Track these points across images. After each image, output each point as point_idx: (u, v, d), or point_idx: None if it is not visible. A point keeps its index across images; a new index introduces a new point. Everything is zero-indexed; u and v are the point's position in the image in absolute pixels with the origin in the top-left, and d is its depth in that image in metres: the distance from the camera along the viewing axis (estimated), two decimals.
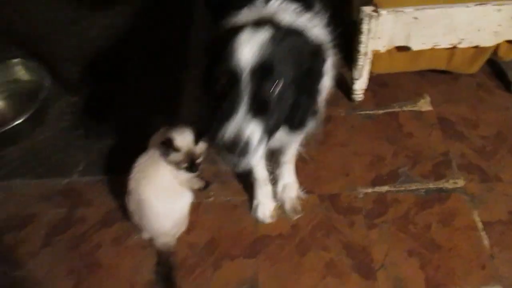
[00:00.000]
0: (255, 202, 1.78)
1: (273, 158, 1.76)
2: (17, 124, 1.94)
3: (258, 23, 1.10)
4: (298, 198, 1.78)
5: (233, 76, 1.02)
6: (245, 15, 1.22)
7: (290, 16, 1.21)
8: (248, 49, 1.01)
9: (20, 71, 2.18)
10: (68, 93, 2.20)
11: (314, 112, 1.22)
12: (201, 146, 1.52)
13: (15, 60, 2.18)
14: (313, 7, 1.34)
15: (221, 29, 1.22)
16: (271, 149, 1.52)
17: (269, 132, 1.07)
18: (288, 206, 1.76)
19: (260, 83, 1.02)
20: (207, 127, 1.14)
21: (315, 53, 1.13)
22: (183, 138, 1.50)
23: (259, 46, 1.02)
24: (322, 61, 1.15)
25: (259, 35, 1.04)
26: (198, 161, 1.51)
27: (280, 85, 1.05)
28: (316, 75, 1.14)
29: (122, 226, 1.76)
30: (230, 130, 0.99)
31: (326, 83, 1.30)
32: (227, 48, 1.04)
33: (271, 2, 1.24)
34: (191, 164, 1.50)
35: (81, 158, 1.98)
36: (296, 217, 1.74)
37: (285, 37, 1.07)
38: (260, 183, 1.74)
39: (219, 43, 1.09)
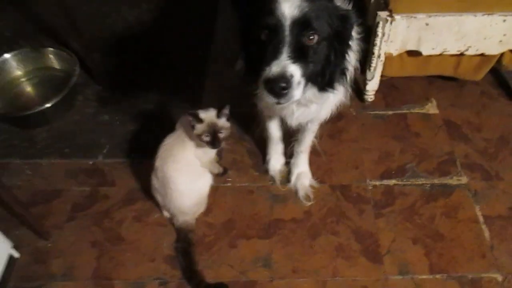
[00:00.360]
0: (267, 156, 1.95)
1: (292, 131, 1.87)
2: (46, 108, 2.05)
3: None
4: (311, 186, 1.89)
5: (276, 27, 1.13)
6: None
7: None
8: (289, 4, 1.13)
9: (52, 59, 2.31)
10: (95, 82, 2.32)
11: (343, 74, 1.31)
12: (223, 121, 1.63)
13: (48, 49, 2.31)
14: None
15: None
16: (294, 126, 1.64)
17: (307, 79, 1.18)
18: (301, 193, 1.87)
19: (300, 33, 1.14)
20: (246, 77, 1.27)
21: (344, 17, 1.24)
22: (207, 113, 1.62)
23: (298, 2, 1.14)
24: (350, 25, 1.26)
25: None
26: (220, 135, 1.61)
27: (316, 37, 1.17)
28: (345, 36, 1.25)
29: (144, 205, 1.86)
30: (274, 68, 1.10)
31: (353, 56, 1.40)
32: (267, 4, 1.15)
33: None
34: (213, 136, 1.59)
35: (106, 141, 2.09)
36: (308, 204, 1.84)
37: (322, 3, 1.19)
38: (273, 141, 1.91)
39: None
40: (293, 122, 1.57)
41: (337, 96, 1.47)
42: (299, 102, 1.37)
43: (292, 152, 1.94)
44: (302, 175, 1.90)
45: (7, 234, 1.70)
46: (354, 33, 1.36)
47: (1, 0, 2.79)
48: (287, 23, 1.13)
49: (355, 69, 1.49)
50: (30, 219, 1.70)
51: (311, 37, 1.15)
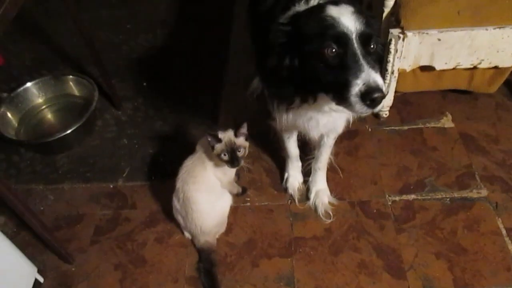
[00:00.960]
0: (286, 175, 1.98)
1: (308, 149, 1.93)
2: (67, 134, 2.10)
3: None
4: (330, 203, 1.90)
5: (345, 41, 1.14)
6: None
7: None
8: (349, 18, 1.16)
9: (72, 86, 2.38)
10: (113, 107, 2.37)
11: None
12: (242, 140, 1.66)
13: (68, 77, 2.38)
14: None
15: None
16: (316, 137, 1.67)
17: None
18: (320, 210, 1.88)
19: (364, 44, 1.16)
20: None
21: (375, 20, 1.28)
22: (225, 133, 1.65)
23: (353, 16, 1.17)
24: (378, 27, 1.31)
25: (347, 8, 1.19)
26: (239, 154, 1.63)
27: (375, 45, 1.20)
28: (378, 38, 1.28)
29: (165, 226, 1.89)
30: (365, 82, 1.10)
31: None
32: (324, 21, 1.17)
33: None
34: (231, 155, 1.61)
35: (126, 164, 2.13)
36: (328, 221, 1.85)
37: (362, 11, 1.22)
38: (291, 159, 1.94)
39: (309, 17, 1.23)
40: (315, 134, 1.59)
41: None
42: (325, 111, 1.40)
43: (310, 170, 1.95)
44: (321, 192, 1.91)
45: (33, 259, 1.72)
46: None
47: (21, 30, 2.89)
48: (353, 36, 1.15)
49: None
50: (55, 243, 1.73)
51: (372, 45, 1.19)
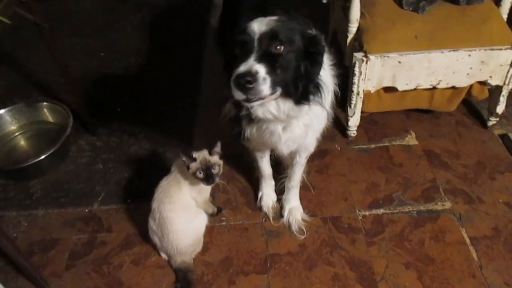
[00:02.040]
0: (259, 193, 2.04)
1: (281, 168, 2.00)
2: (41, 160, 2.11)
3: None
4: (303, 220, 1.96)
5: (246, 40, 1.28)
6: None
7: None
8: (259, 23, 1.30)
9: (46, 113, 2.39)
10: (88, 133, 2.40)
11: (316, 88, 1.41)
12: (216, 158, 1.72)
13: (42, 103, 2.40)
14: None
15: None
16: (286, 153, 1.73)
17: (277, 82, 1.29)
18: (294, 227, 1.93)
19: (267, 44, 1.28)
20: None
21: (313, 38, 1.38)
22: (199, 152, 1.72)
23: (267, 22, 1.30)
24: (320, 46, 1.38)
25: (268, 18, 1.32)
26: (214, 171, 1.69)
27: (283, 48, 1.29)
28: (314, 55, 1.37)
29: (142, 248, 1.90)
30: (241, 67, 1.24)
31: (330, 80, 1.54)
32: (242, 28, 1.31)
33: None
34: (206, 172, 1.67)
35: (101, 189, 2.14)
36: (302, 237, 1.90)
37: (289, 21, 1.36)
38: (265, 178, 2.01)
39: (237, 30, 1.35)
40: (283, 148, 1.65)
41: (320, 121, 1.57)
42: (280, 121, 1.48)
43: (283, 188, 2.01)
44: (294, 209, 1.97)
45: (5, 285, 1.70)
46: (327, 60, 1.51)
47: None
48: (256, 37, 1.28)
49: (334, 93, 1.60)
50: (30, 268, 1.72)
51: (278, 47, 1.29)
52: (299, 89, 1.36)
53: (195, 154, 1.69)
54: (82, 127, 2.41)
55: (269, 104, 1.38)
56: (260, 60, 1.25)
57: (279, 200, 2.04)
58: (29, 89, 2.71)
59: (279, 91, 1.32)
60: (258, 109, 1.40)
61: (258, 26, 1.29)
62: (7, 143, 2.34)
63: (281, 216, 1.99)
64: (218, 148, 1.72)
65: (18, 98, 2.59)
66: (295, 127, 1.53)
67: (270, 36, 1.28)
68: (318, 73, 1.40)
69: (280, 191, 2.05)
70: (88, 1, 3.46)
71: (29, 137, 2.38)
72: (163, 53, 2.96)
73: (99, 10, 3.37)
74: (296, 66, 1.34)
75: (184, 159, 1.68)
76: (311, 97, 1.40)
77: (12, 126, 2.37)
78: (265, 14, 1.42)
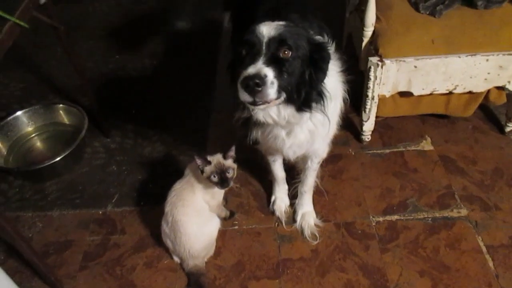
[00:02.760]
0: (272, 197, 2.04)
1: (294, 172, 2.00)
2: (56, 161, 2.13)
3: None
4: (316, 225, 1.95)
5: (254, 42, 1.28)
6: None
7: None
8: (267, 27, 1.30)
9: (61, 115, 2.42)
10: (103, 134, 2.42)
11: (319, 96, 1.41)
12: (230, 162, 1.72)
13: (57, 105, 2.43)
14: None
15: None
16: (295, 159, 1.74)
17: (283, 89, 1.29)
18: (307, 232, 1.92)
19: (275, 48, 1.28)
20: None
21: (319, 45, 1.38)
22: (214, 155, 1.72)
23: (276, 26, 1.30)
24: (326, 54, 1.38)
25: (277, 23, 1.32)
26: (228, 175, 1.69)
27: (291, 53, 1.29)
28: (320, 63, 1.36)
29: (154, 251, 1.91)
30: (250, 69, 1.23)
31: (340, 86, 1.54)
32: (250, 31, 1.31)
33: None
34: (221, 176, 1.67)
35: (115, 190, 2.16)
36: (314, 243, 1.89)
37: (296, 27, 1.37)
38: (278, 182, 2.01)
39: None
40: (289, 153, 1.65)
41: (325, 126, 1.54)
42: (283, 126, 1.48)
43: (296, 193, 2.01)
44: (307, 214, 1.96)
45: (20, 285, 1.72)
46: (335, 66, 1.50)
47: (11, 61, 2.94)
48: (264, 40, 1.28)
49: (344, 100, 1.60)
50: (44, 269, 1.73)
51: (286, 52, 1.29)
52: (302, 95, 1.36)
53: (209, 158, 1.70)
54: (97, 129, 2.43)
55: (270, 108, 1.38)
56: (268, 63, 1.25)
57: (292, 204, 2.03)
58: (46, 90, 2.74)
59: (283, 96, 1.31)
60: (259, 113, 1.41)
61: (267, 29, 1.29)
62: (24, 144, 2.37)
63: (294, 221, 1.98)
64: (232, 152, 1.72)
65: (35, 100, 2.63)
66: (299, 133, 1.52)
67: (279, 40, 1.28)
68: (322, 81, 1.39)
69: (293, 196, 2.04)
70: (104, 4, 3.48)
71: (45, 138, 2.41)
72: (178, 55, 2.97)
73: (115, 12, 3.40)
74: (301, 72, 1.34)
75: (198, 162, 1.68)
76: (313, 104, 1.40)
77: (29, 128, 2.40)
78: (279, 18, 1.42)
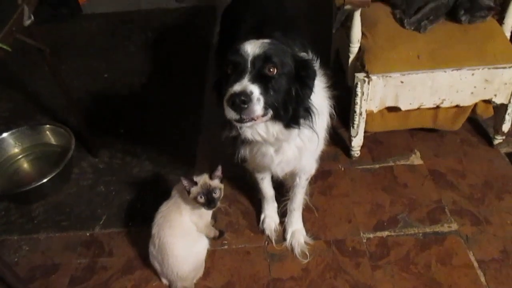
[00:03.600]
0: (262, 215, 2.02)
1: (284, 190, 1.99)
2: (43, 183, 2.10)
3: None
4: (306, 243, 1.92)
5: (240, 61, 1.28)
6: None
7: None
8: (252, 45, 1.30)
9: (48, 135, 2.40)
10: (90, 154, 2.40)
11: (307, 112, 1.41)
12: (217, 182, 1.70)
13: (44, 126, 2.41)
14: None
15: None
16: (283, 176, 1.73)
17: (270, 106, 1.29)
18: (297, 250, 1.90)
19: (261, 66, 1.28)
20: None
21: (304, 62, 1.39)
22: (200, 176, 1.70)
23: (260, 44, 1.30)
24: (311, 71, 1.38)
25: (261, 41, 1.32)
26: (215, 195, 1.67)
27: (276, 70, 1.29)
28: (306, 79, 1.37)
29: (142, 273, 1.87)
30: (236, 87, 1.23)
31: (326, 102, 1.54)
32: (235, 49, 1.31)
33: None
34: (207, 196, 1.65)
35: (103, 212, 2.13)
36: (305, 261, 1.87)
37: (281, 44, 1.37)
38: (267, 200, 1.99)
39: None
40: (277, 170, 1.64)
41: (314, 144, 1.54)
42: (271, 143, 1.47)
43: (285, 211, 1.99)
44: (297, 232, 1.94)
45: None
46: (320, 82, 1.51)
47: None
48: (249, 58, 1.28)
49: (330, 115, 1.60)
50: None
51: (271, 69, 1.29)
52: (289, 112, 1.36)
53: (195, 178, 1.68)
54: (85, 149, 2.41)
55: (258, 126, 1.37)
56: (253, 80, 1.25)
57: (282, 222, 2.01)
58: (33, 111, 2.72)
59: (270, 113, 1.31)
60: (247, 131, 1.40)
61: (252, 48, 1.29)
62: (11, 166, 2.34)
63: (284, 239, 1.96)
64: (219, 172, 1.71)
65: (23, 121, 2.61)
66: (287, 150, 1.51)
67: (264, 58, 1.28)
68: (309, 97, 1.39)
69: (283, 213, 2.02)
70: (93, 23, 3.49)
71: (32, 159, 2.38)
72: (166, 73, 2.97)
73: (103, 31, 3.41)
74: (287, 89, 1.33)
75: (185, 183, 1.66)
76: (301, 120, 1.39)
77: (16, 149, 2.38)
78: (262, 36, 1.43)
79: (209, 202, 1.66)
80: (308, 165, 1.74)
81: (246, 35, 1.64)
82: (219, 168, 1.71)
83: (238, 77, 1.26)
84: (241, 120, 1.26)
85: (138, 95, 2.81)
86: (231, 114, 1.25)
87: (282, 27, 1.69)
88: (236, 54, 1.30)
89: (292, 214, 1.95)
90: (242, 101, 1.22)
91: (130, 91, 2.84)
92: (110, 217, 2.10)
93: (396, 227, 1.97)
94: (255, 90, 1.24)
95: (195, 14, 3.51)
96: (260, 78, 1.27)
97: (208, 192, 1.66)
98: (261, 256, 1.90)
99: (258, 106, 1.25)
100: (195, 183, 1.66)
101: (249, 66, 1.28)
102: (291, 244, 1.93)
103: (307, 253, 1.89)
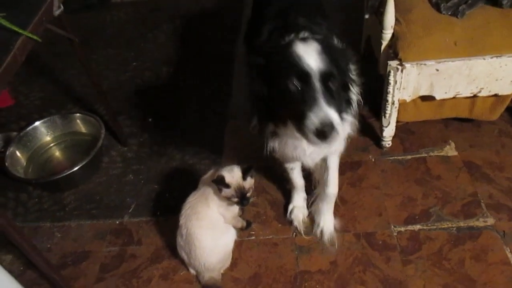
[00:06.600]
0: (290, 206, 1.99)
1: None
2: (74, 171, 2.14)
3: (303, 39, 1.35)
4: (336, 231, 1.90)
5: (306, 78, 1.24)
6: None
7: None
8: (313, 58, 1.25)
9: (79, 124, 2.43)
10: (119, 144, 2.42)
11: (349, 104, 1.42)
12: (249, 181, 1.67)
13: (75, 115, 2.45)
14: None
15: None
16: (311, 165, 1.72)
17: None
18: (326, 238, 1.88)
19: (326, 82, 1.25)
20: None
21: (345, 54, 1.38)
22: (232, 175, 1.66)
23: (317, 54, 1.26)
24: (351, 61, 1.39)
25: (313, 46, 1.28)
26: (248, 194, 1.66)
27: (337, 83, 1.28)
28: (347, 71, 1.37)
29: (170, 263, 1.89)
30: (319, 117, 1.21)
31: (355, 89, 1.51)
32: (290, 57, 1.27)
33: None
34: (241, 197, 1.64)
35: (132, 200, 2.15)
36: (333, 250, 1.84)
37: (330, 44, 1.35)
38: (297, 190, 1.96)
39: (278, 54, 1.31)
40: (308, 161, 1.63)
41: (345, 128, 1.50)
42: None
43: (315, 202, 1.96)
44: (327, 221, 1.92)
45: None
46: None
47: (30, 71, 2.98)
48: (317, 76, 1.24)
49: (357, 102, 1.54)
50: (61, 282, 1.73)
51: (333, 83, 1.27)
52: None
53: (227, 177, 1.64)
54: (114, 138, 2.43)
55: None
56: (328, 102, 1.23)
57: (311, 214, 1.98)
58: (65, 100, 2.76)
59: None
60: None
61: (314, 61, 1.25)
62: (43, 154, 2.39)
63: (313, 227, 1.93)
64: (252, 172, 1.69)
65: (55, 109, 2.66)
66: None
67: (327, 73, 1.26)
68: (350, 88, 1.39)
69: (312, 204, 1.99)
70: (122, 12, 3.50)
71: (63, 148, 2.43)
72: (194, 63, 2.95)
73: (133, 20, 3.41)
74: (341, 95, 1.34)
75: (218, 186, 1.65)
76: (344, 114, 1.38)
77: (48, 137, 2.42)
78: (287, 21, 1.39)
79: (242, 201, 1.66)
80: (338, 149, 1.70)
81: (271, 20, 1.64)
82: (252, 170, 1.68)
83: (314, 101, 1.23)
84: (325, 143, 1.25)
85: (166, 84, 2.81)
86: (315, 142, 1.24)
87: (307, 12, 1.64)
88: (300, 69, 1.25)
89: (323, 202, 1.90)
90: (330, 130, 1.21)
91: (158, 80, 2.84)
92: (138, 206, 2.12)
93: (429, 221, 1.91)
94: (335, 115, 1.23)
95: (224, 1, 3.46)
96: (329, 95, 1.25)
97: (241, 195, 1.65)
98: (289, 248, 1.88)
99: (341, 130, 1.25)
100: (228, 186, 1.64)
101: (317, 84, 1.24)
102: (320, 232, 1.90)
103: (336, 242, 1.87)
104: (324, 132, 1.20)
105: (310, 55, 1.26)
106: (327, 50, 1.30)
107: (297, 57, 1.27)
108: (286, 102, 1.29)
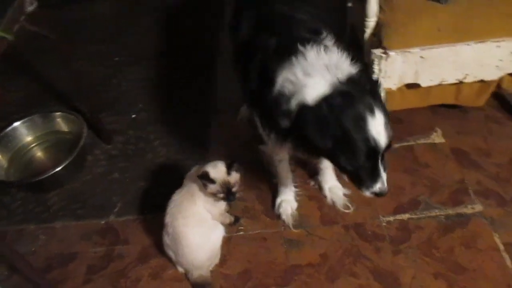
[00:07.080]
0: (278, 199, 1.97)
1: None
2: (58, 171, 2.09)
3: (348, 88, 1.34)
4: (345, 195, 1.95)
5: (373, 154, 1.32)
6: (313, 63, 1.39)
7: (346, 66, 1.42)
8: (383, 134, 1.31)
9: (60, 123, 2.37)
10: (103, 141, 2.37)
11: None
12: (235, 176, 1.64)
13: (56, 113, 2.39)
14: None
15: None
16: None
17: None
18: (339, 203, 1.93)
19: (385, 152, 1.35)
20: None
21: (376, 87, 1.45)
22: (217, 170, 1.63)
23: (385, 127, 1.32)
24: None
25: (382, 120, 1.32)
26: (234, 189, 1.63)
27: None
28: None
29: (159, 261, 1.86)
30: (380, 187, 1.39)
31: None
32: (357, 127, 1.29)
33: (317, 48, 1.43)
34: (227, 193, 1.61)
35: (117, 199, 2.11)
36: (349, 211, 1.92)
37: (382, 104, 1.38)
38: (284, 183, 1.95)
39: (333, 113, 1.30)
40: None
41: None
42: None
43: (302, 194, 1.97)
44: (334, 188, 1.96)
45: None
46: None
47: (11, 68, 2.90)
48: (381, 150, 1.32)
49: None
50: (47, 286, 1.70)
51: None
52: None
53: (211, 172, 1.61)
54: (97, 135, 2.38)
55: None
56: (385, 170, 1.38)
57: (298, 208, 1.96)
58: (46, 98, 2.68)
59: None
60: None
61: (384, 138, 1.30)
62: (25, 155, 2.33)
63: (324, 195, 1.99)
64: (236, 167, 1.65)
65: (36, 108, 2.57)
66: None
67: (389, 145, 1.34)
68: None
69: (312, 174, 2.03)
70: (102, 6, 3.41)
71: (45, 148, 2.37)
72: (178, 55, 2.90)
73: (113, 14, 3.33)
74: None
75: (203, 181, 1.61)
76: None
77: (28, 138, 2.36)
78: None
79: (229, 197, 1.63)
80: None
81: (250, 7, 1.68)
82: (236, 164, 1.65)
83: (376, 172, 1.37)
84: None
85: (149, 79, 2.76)
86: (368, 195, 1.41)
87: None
88: (369, 147, 1.29)
89: (325, 172, 1.95)
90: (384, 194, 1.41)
91: (141, 75, 2.78)
92: (124, 204, 2.08)
93: (417, 209, 1.91)
94: (386, 185, 1.39)
95: None
96: (384, 162, 1.38)
97: (227, 190, 1.62)
98: (278, 242, 1.87)
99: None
100: (213, 182, 1.61)
101: (380, 157, 1.34)
102: (331, 200, 1.95)
103: (349, 204, 1.92)
104: (383, 193, 1.39)
105: (380, 134, 1.30)
106: (385, 110, 1.34)
107: (370, 134, 1.28)
108: (337, 160, 1.37)
